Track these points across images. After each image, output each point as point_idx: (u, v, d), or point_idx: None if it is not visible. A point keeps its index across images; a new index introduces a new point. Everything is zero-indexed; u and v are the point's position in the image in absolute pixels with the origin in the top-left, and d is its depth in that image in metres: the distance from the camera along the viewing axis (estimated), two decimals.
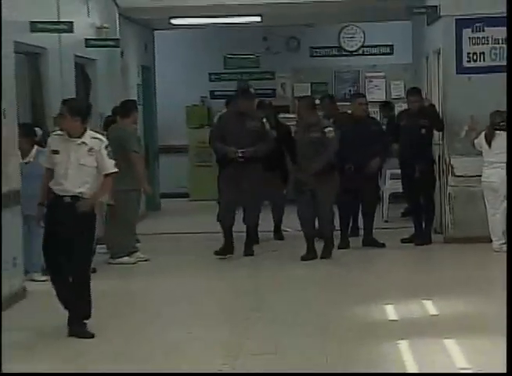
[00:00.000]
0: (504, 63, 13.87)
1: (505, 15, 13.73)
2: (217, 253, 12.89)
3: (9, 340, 8.79)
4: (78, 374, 5.90)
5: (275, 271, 12.34)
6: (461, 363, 7.65)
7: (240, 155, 12.85)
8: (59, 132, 9.20)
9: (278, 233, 14.94)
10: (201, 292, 11.25)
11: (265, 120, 13.44)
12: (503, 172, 12.72)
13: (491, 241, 13.08)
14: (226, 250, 13.00)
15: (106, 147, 9.04)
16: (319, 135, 12.90)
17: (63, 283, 9.01)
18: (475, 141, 13.28)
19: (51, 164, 8.98)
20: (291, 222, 14.29)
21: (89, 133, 9.01)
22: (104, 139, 9.24)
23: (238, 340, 8.76)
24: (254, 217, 13.48)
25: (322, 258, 12.75)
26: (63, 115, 8.97)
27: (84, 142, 8.88)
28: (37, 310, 10.21)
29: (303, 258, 12.82)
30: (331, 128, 13.17)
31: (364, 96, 15.08)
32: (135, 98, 16.63)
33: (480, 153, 13.21)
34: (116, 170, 9.11)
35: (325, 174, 12.78)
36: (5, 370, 5.55)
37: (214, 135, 13.54)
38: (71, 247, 8.96)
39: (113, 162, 9.09)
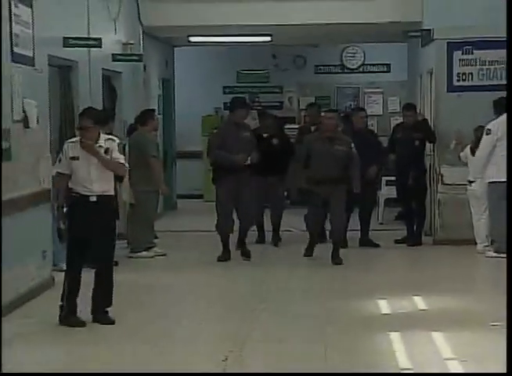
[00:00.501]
0: (490, 82, 13.97)
1: (492, 39, 13.85)
2: (219, 259, 12.45)
3: (37, 325, 8.94)
4: (79, 373, 5.78)
5: (281, 268, 12.26)
6: (447, 354, 7.68)
7: (249, 163, 12.36)
8: (73, 140, 9.21)
9: (275, 237, 14.22)
10: (212, 285, 11.28)
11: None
12: (484, 182, 12.84)
13: (475, 244, 13.08)
14: (225, 256, 12.51)
15: (118, 145, 9.16)
16: (344, 148, 12.29)
17: (76, 276, 9.04)
18: (461, 154, 13.33)
19: (68, 170, 8.97)
20: (295, 223, 14.26)
21: (103, 136, 9.06)
22: (116, 138, 9.32)
23: (245, 329, 8.73)
24: (250, 220, 12.88)
25: (336, 264, 12.14)
26: (87, 126, 8.94)
27: (101, 146, 8.94)
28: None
29: (305, 255, 12.62)
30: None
31: (364, 110, 15.07)
32: (156, 107, 16.65)
33: (466, 164, 13.26)
34: (126, 165, 9.18)
35: (341, 183, 12.24)
36: (5, 370, 5.54)
37: (214, 145, 12.75)
38: (97, 242, 9.03)
39: (123, 157, 9.22)
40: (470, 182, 13.02)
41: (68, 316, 8.87)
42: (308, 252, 12.65)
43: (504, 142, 12.58)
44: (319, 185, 12.08)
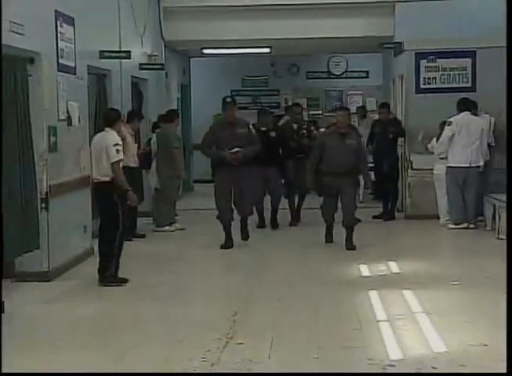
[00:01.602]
0: (450, 85, 13.98)
1: (451, 50, 13.90)
2: (222, 247, 11.28)
3: (80, 286, 9.02)
4: (79, 373, 5.44)
5: (281, 246, 12.02)
6: (415, 308, 7.71)
7: (233, 152, 11.00)
8: None
9: (274, 222, 13.24)
10: (224, 255, 11.24)
11: (251, 126, 11.58)
12: (444, 166, 12.94)
13: (438, 218, 13.16)
14: (228, 244, 11.33)
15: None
16: (355, 142, 11.33)
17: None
18: (428, 145, 13.41)
19: None
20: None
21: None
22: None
23: (250, 290, 8.73)
24: (247, 209, 11.63)
25: (349, 249, 11.01)
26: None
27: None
28: None
29: (326, 241, 11.56)
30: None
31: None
32: (176, 108, 16.66)
33: (432, 153, 13.30)
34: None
35: (352, 175, 11.24)
36: (5, 369, 5.12)
37: (204, 143, 11.64)
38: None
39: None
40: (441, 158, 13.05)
41: (114, 275, 8.94)
42: (328, 239, 11.60)
43: (462, 134, 12.71)
44: (332, 176, 11.07)
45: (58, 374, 5.27)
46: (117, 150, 8.87)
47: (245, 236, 11.65)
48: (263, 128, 12.75)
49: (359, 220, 11.63)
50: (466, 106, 12.91)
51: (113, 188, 8.88)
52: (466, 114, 12.82)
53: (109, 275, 8.88)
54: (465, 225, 12.71)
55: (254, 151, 11.32)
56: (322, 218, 11.51)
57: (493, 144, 13.25)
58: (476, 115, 13.08)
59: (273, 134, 12.98)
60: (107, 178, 8.91)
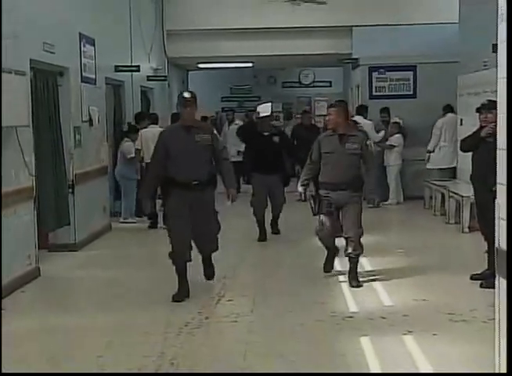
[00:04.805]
0: (396, 93, 14.07)
1: (396, 65, 13.96)
2: (174, 299, 6.47)
3: (100, 255, 8.98)
4: (79, 374, 4.71)
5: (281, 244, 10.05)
6: (369, 271, 7.66)
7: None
8: None
9: (275, 228, 9.99)
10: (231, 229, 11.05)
11: (215, 131, 6.98)
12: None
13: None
14: (182, 294, 6.52)
15: None
16: (357, 146, 6.92)
17: None
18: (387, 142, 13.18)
19: None
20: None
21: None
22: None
23: (241, 258, 8.59)
24: (213, 244, 6.82)
25: (352, 286, 6.96)
26: None
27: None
28: (116, 238, 10.27)
29: (325, 271, 7.45)
30: (370, 140, 7.58)
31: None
32: (177, 112, 16.55)
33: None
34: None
35: (355, 188, 6.96)
36: (4, 370, 4.59)
37: (154, 158, 6.55)
38: None
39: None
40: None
41: None
42: (327, 268, 7.47)
43: (446, 135, 12.33)
44: (329, 190, 6.97)
45: (60, 374, 4.71)
46: None
47: (210, 273, 7.07)
48: (266, 133, 9.73)
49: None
50: (448, 109, 12.57)
51: None
52: (450, 117, 12.41)
53: None
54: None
55: (232, 175, 6.80)
56: (322, 244, 7.42)
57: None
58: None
59: (277, 139, 9.76)
60: None
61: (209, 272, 7.05)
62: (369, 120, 13.18)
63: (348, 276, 7.09)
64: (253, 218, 9.68)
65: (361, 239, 7.08)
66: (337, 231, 7.13)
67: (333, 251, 7.44)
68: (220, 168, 6.69)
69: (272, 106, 9.83)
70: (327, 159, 7.00)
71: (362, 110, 13.31)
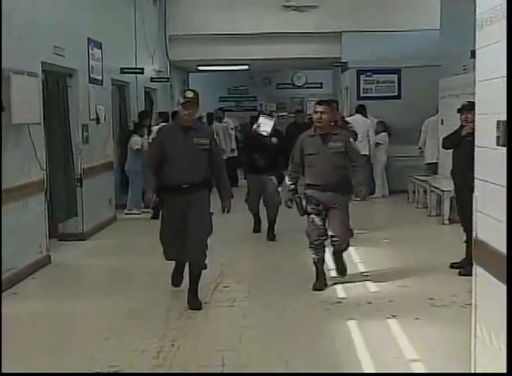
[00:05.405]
0: (382, 94, 14.10)
1: (382, 68, 13.96)
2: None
3: (106, 244, 8.97)
4: (80, 374, 4.40)
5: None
6: (356, 259, 7.64)
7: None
8: None
9: (271, 233, 9.07)
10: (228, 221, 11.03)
11: (216, 135, 6.48)
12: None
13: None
14: (176, 281, 6.30)
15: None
16: (340, 144, 6.29)
17: None
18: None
19: None
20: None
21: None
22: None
23: (237, 246, 8.63)
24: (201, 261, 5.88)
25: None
26: None
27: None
28: (121, 228, 10.25)
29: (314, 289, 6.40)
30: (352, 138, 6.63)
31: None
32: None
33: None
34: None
35: (341, 191, 6.34)
36: (4, 370, 4.37)
37: (150, 156, 6.01)
38: None
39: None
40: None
41: None
42: (317, 286, 6.42)
43: (432, 133, 12.13)
44: (315, 190, 6.33)
45: (57, 374, 4.37)
46: None
47: (195, 304, 5.81)
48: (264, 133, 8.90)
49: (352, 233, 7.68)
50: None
51: None
52: (437, 116, 12.12)
53: None
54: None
55: (228, 187, 6.07)
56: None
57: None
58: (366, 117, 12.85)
59: (275, 140, 8.84)
60: None
61: (194, 303, 5.75)
62: (376, 118, 13.11)
63: (336, 265, 6.80)
64: (249, 212, 9.54)
65: (349, 240, 6.67)
66: (324, 233, 6.41)
67: (321, 264, 6.52)
68: (216, 176, 5.93)
69: (274, 123, 8.83)
70: (311, 161, 6.34)
71: (362, 109, 13.13)
